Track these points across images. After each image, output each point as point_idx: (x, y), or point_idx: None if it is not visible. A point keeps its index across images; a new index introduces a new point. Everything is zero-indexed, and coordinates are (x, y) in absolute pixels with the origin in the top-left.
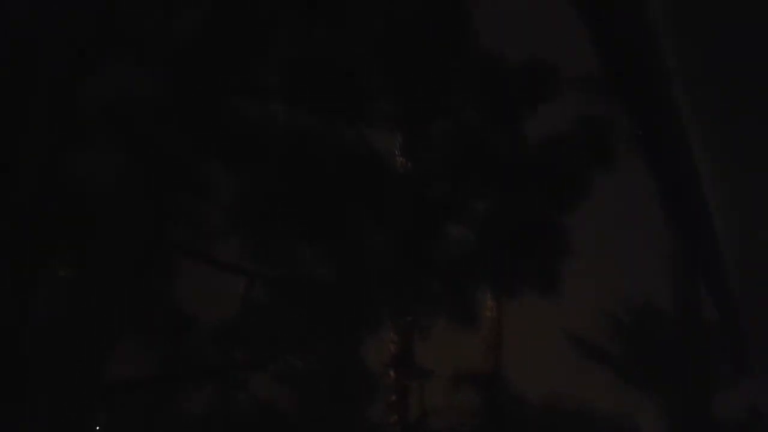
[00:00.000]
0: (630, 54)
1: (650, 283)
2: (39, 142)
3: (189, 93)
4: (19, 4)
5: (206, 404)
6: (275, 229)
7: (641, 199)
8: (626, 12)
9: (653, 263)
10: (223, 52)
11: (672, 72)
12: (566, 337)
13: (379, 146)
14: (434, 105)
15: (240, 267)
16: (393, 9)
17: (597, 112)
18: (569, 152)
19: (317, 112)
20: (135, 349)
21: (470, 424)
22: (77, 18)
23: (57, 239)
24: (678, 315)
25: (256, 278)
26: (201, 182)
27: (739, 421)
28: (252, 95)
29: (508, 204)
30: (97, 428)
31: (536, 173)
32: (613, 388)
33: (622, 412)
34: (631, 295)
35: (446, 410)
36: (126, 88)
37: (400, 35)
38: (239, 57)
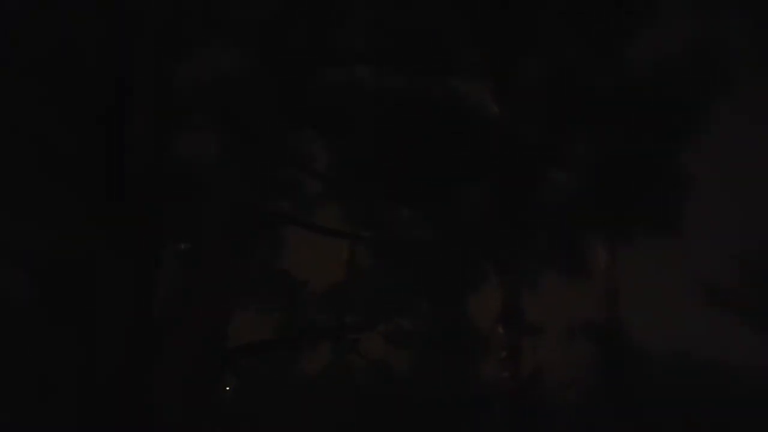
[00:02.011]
0: None
1: None
2: (144, 126)
3: (277, 68)
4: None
5: (323, 366)
6: (372, 192)
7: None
8: None
9: None
10: (305, 24)
11: None
12: (693, 283)
13: (471, 98)
14: (520, 43)
15: (341, 232)
16: None
17: (707, 32)
18: (680, 79)
19: (403, 72)
20: (253, 317)
21: (587, 380)
22: (168, 5)
23: (171, 217)
24: None
25: (358, 242)
26: (297, 153)
27: None
28: (338, 63)
29: (614, 142)
30: (227, 388)
31: (643, 105)
32: (748, 340)
33: (757, 365)
34: (757, 239)
35: (561, 365)
36: (218, 69)
37: None
38: (321, 27)
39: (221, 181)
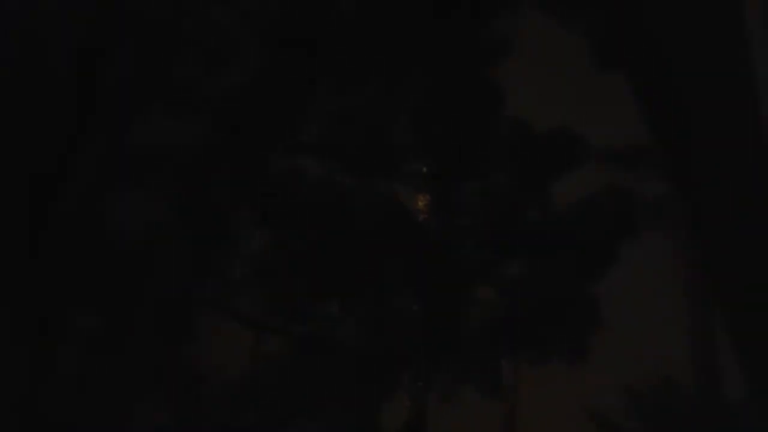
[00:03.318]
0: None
1: (674, 358)
2: (82, 185)
3: (229, 145)
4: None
5: None
6: (297, 285)
7: (663, 270)
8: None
9: (677, 337)
10: (264, 108)
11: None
12: (586, 412)
13: (410, 205)
14: (466, 166)
15: (260, 322)
16: (429, 77)
17: (622, 182)
18: (596, 221)
19: (347, 168)
20: (153, 406)
21: None
22: (128, 67)
23: (85, 288)
24: (700, 391)
25: (276, 334)
26: (232, 234)
27: None
28: (288, 151)
29: (537, 270)
30: None
31: (564, 240)
32: None
33: None
34: (654, 370)
35: None
36: (169, 137)
37: (436, 99)
38: (280, 114)
39: (149, 256)
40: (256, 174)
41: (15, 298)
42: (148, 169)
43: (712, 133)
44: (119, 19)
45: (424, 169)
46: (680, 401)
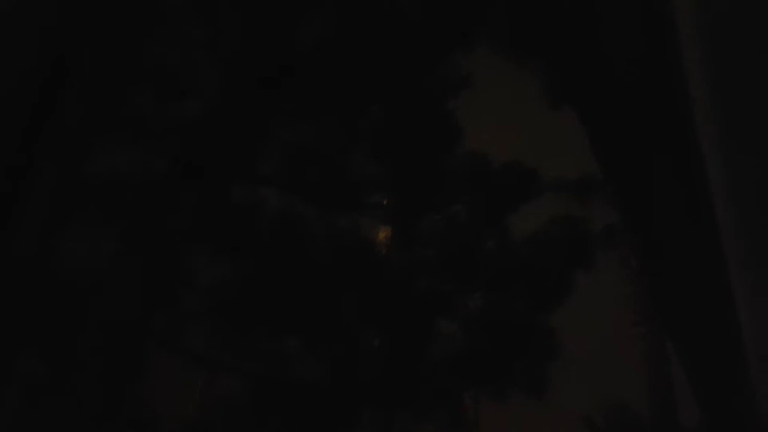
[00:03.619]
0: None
1: (631, 389)
2: (31, 217)
3: (186, 176)
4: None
5: None
6: (257, 319)
7: (618, 299)
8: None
9: (633, 368)
10: (221, 139)
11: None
12: None
13: (372, 237)
14: (426, 200)
15: (214, 359)
16: (389, 109)
17: (576, 212)
18: (551, 251)
19: (311, 200)
20: None
21: None
22: (81, 95)
23: (30, 326)
24: (656, 419)
25: (231, 372)
26: (183, 266)
27: None
28: (247, 181)
29: (496, 302)
30: None
31: (522, 271)
32: None
33: None
34: (610, 401)
35: None
36: (122, 168)
37: (394, 133)
38: (237, 144)
39: (98, 291)
40: (214, 205)
41: None
42: (102, 199)
43: (657, 173)
44: (76, 46)
45: (384, 202)
46: (637, 429)
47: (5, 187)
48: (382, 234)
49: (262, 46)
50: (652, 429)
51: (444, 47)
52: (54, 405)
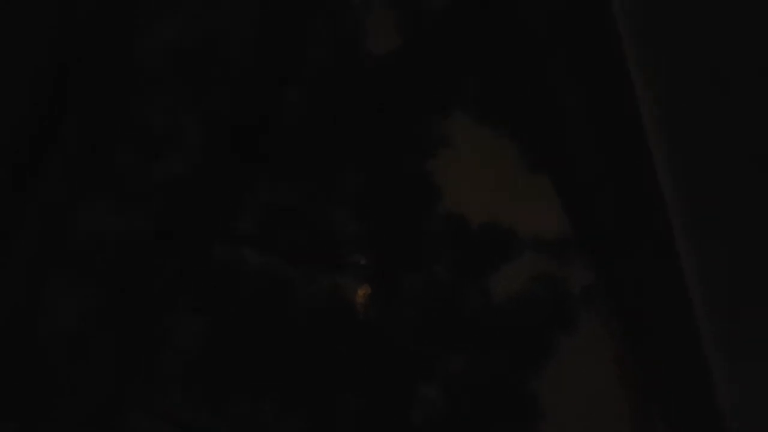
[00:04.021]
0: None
1: None
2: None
3: (168, 235)
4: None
5: None
6: (236, 381)
7: (600, 358)
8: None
9: (619, 427)
10: (204, 198)
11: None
12: None
13: (352, 297)
14: (406, 259)
15: (193, 424)
16: (365, 171)
17: (556, 273)
18: (533, 311)
19: (291, 260)
20: None
21: None
22: (61, 150)
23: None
24: None
25: None
26: (165, 326)
27: None
28: (228, 241)
29: (479, 363)
30: None
31: (504, 331)
32: None
33: None
34: None
35: None
36: (106, 225)
37: (374, 193)
38: (220, 204)
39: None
40: (195, 264)
41: None
42: (83, 257)
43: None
44: (60, 103)
45: (363, 261)
46: None
47: None
48: (362, 293)
49: (248, 105)
50: None
51: (421, 114)
52: None
